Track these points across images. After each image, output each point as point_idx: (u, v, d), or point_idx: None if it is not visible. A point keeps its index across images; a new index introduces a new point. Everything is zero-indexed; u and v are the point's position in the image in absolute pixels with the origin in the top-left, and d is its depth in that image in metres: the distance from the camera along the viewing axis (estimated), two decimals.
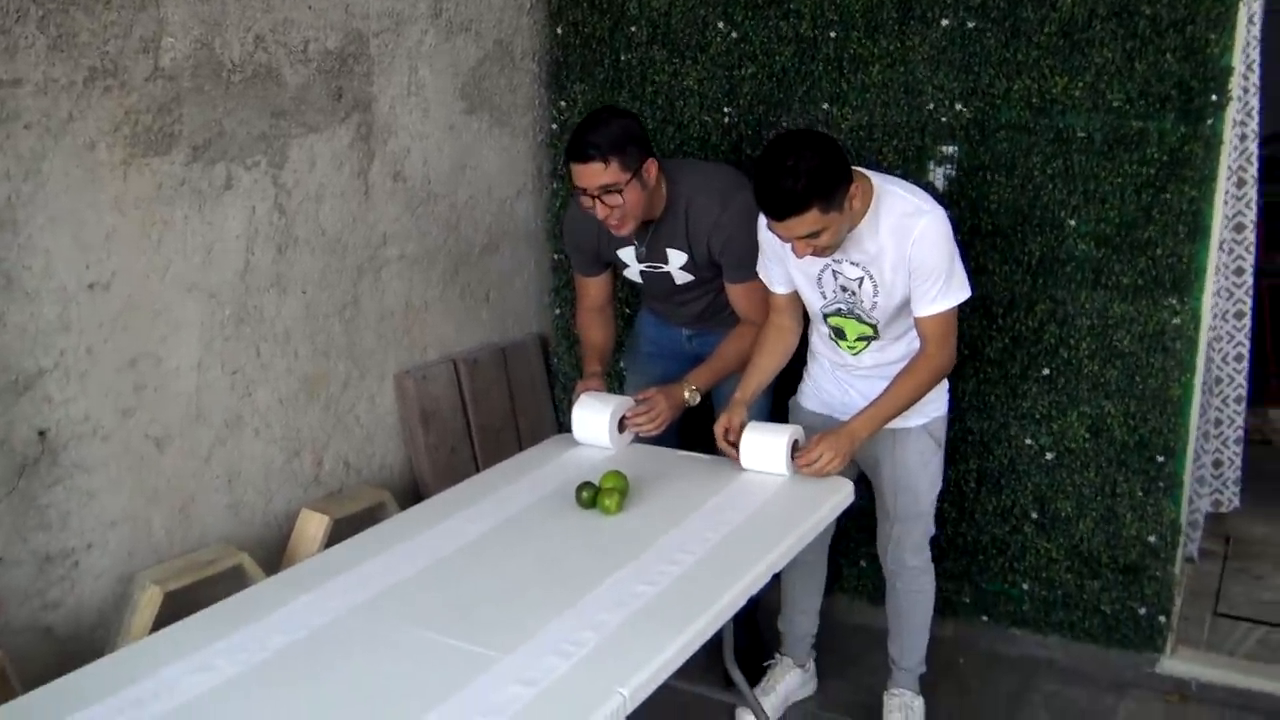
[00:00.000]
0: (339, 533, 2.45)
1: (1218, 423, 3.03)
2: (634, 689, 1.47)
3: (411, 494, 2.96)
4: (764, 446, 2.22)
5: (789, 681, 2.64)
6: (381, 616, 1.75)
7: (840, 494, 2.16)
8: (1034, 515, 2.75)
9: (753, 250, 2.37)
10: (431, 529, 2.07)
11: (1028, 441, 2.71)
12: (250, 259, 2.50)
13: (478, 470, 3.02)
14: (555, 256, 3.34)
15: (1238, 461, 3.10)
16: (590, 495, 2.08)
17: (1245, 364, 3.02)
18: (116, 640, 2.21)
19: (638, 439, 2.48)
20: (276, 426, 2.62)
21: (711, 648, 2.29)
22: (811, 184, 1.98)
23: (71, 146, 2.10)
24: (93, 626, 2.25)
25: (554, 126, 3.23)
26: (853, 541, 2.90)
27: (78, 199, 2.13)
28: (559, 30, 3.10)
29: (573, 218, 2.60)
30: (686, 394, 2.44)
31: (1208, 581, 3.14)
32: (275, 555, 2.59)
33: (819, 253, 2.13)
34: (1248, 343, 3.01)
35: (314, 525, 2.57)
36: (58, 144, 2.08)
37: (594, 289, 2.68)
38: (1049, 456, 2.70)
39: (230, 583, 2.34)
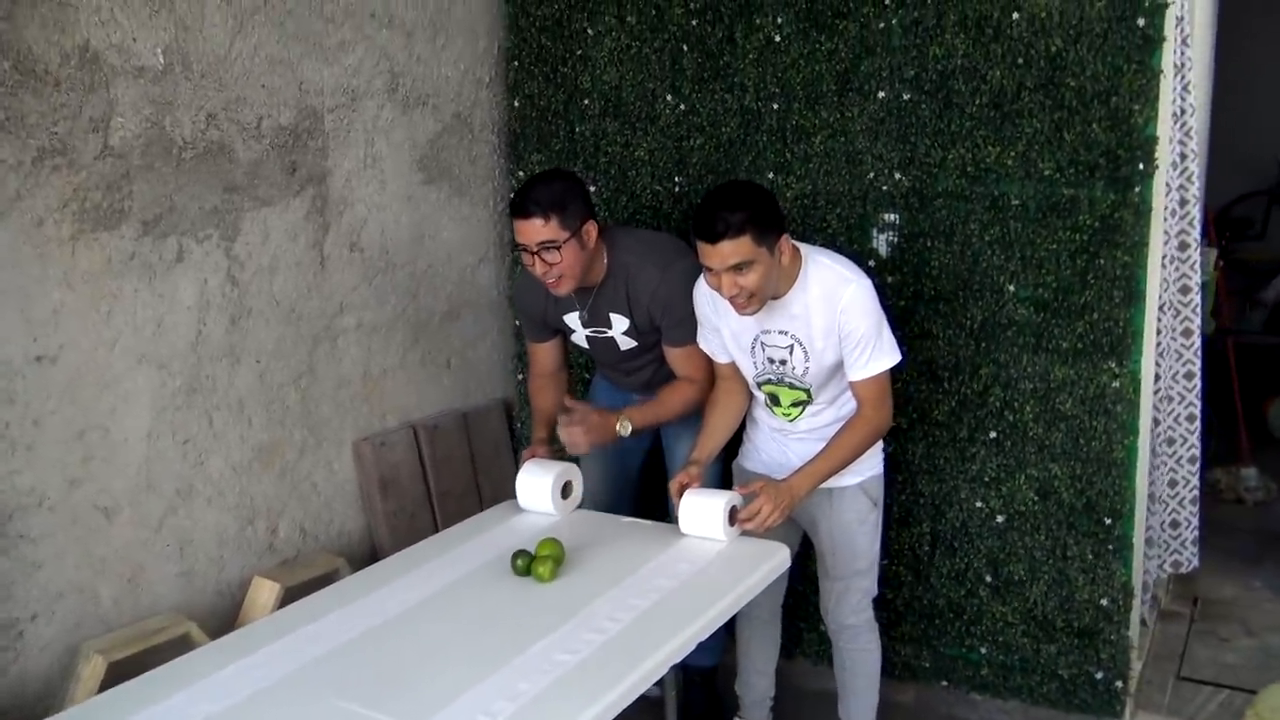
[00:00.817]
0: (291, 600, 2.46)
1: (1172, 483, 3.03)
2: None
3: (369, 560, 2.96)
4: (702, 511, 2.24)
5: None
6: (308, 686, 1.76)
7: (775, 559, 2.18)
8: (988, 578, 2.75)
9: (687, 316, 2.41)
10: (370, 595, 2.09)
11: (978, 504, 2.72)
12: (202, 329, 2.54)
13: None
14: (518, 323, 3.38)
15: (1195, 521, 3.10)
16: (525, 563, 2.10)
17: (1197, 424, 3.03)
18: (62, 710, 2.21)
19: (581, 505, 2.50)
20: (230, 495, 2.64)
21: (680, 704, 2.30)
22: (748, 215, 2.10)
23: (19, 224, 2.16)
24: (38, 696, 2.26)
25: (513, 195, 3.29)
26: (812, 605, 2.89)
27: (24, 274, 2.18)
28: (516, 103, 3.18)
29: (523, 285, 2.65)
30: (618, 425, 2.45)
31: (1173, 644, 3.12)
32: (227, 623, 2.59)
33: (745, 304, 2.18)
34: (1199, 402, 3.03)
35: (265, 593, 2.58)
36: (4, 221, 2.13)
37: (544, 355, 2.72)
38: (1000, 519, 2.71)
39: (176, 651, 2.34)
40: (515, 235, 2.39)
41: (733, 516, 2.25)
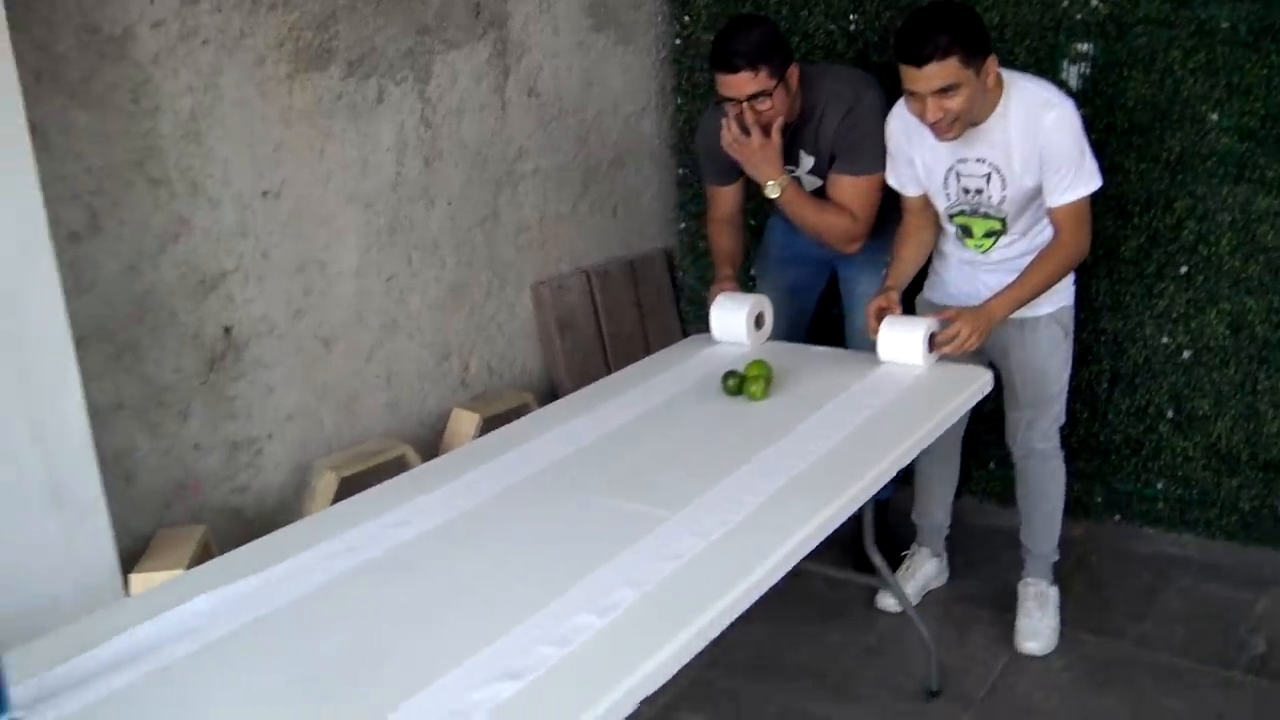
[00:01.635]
0: (489, 430, 2.60)
1: None
2: (788, 551, 1.57)
3: (550, 398, 3.09)
4: (901, 337, 2.28)
5: (926, 570, 2.72)
6: (550, 487, 1.86)
7: (979, 381, 2.21)
8: (1169, 414, 2.75)
9: (869, 147, 2.41)
10: (583, 416, 2.17)
11: (1164, 340, 2.70)
12: (400, 171, 2.63)
13: None
14: (680, 172, 3.41)
15: None
16: (736, 382, 2.17)
17: None
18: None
19: (770, 338, 2.56)
20: (428, 331, 2.77)
21: (848, 537, 2.39)
22: (956, 34, 2.06)
23: (244, 62, 2.25)
24: (274, 510, 2.45)
25: (677, 42, 3.27)
26: (981, 444, 2.93)
27: (250, 111, 2.28)
28: None
29: (708, 128, 2.65)
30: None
31: None
32: (430, 451, 2.75)
33: (948, 129, 2.16)
34: None
35: (466, 423, 2.73)
36: (232, 59, 2.23)
37: (725, 199, 2.74)
38: (1186, 355, 2.69)
39: (395, 471, 2.51)
40: (719, 89, 2.37)
41: (931, 343, 2.28)
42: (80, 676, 1.33)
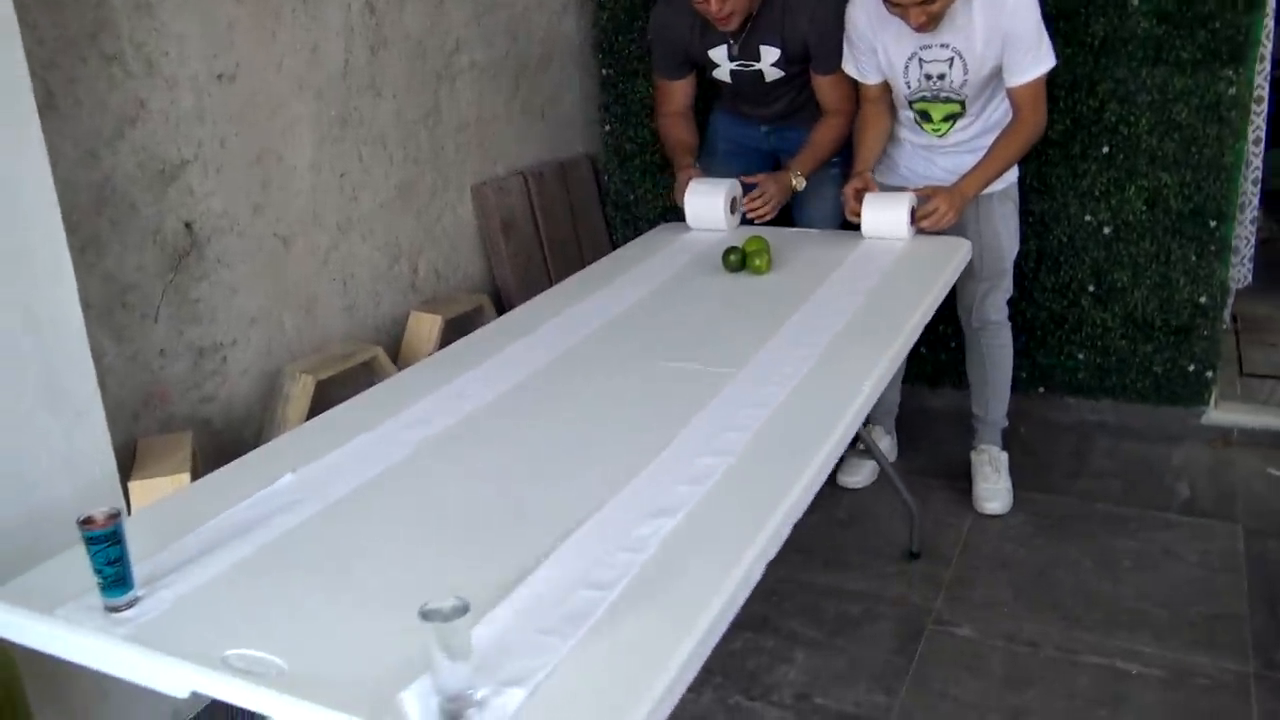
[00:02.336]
0: (448, 334, 2.52)
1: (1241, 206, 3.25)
2: (873, 382, 1.62)
3: (496, 301, 3.02)
4: (885, 212, 2.35)
5: (881, 446, 2.84)
6: (596, 357, 1.81)
7: (961, 251, 2.31)
8: (1091, 289, 2.95)
9: (842, 43, 2.45)
10: (588, 300, 2.12)
11: (1087, 218, 2.89)
12: (349, 59, 2.48)
13: (551, 282, 3.08)
14: (604, 73, 3.35)
15: (1253, 240, 3.34)
16: (738, 258, 2.18)
17: (1262, 147, 3.23)
18: (272, 431, 2.26)
19: (745, 221, 2.58)
20: (379, 232, 2.64)
21: None
22: None
23: None
24: (242, 421, 2.30)
25: None
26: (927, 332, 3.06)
27: None
28: None
29: (663, 20, 2.61)
30: (794, 179, 2.53)
31: (1228, 351, 3.41)
32: (392, 354, 2.64)
33: (926, 24, 2.22)
34: (1265, 126, 3.22)
35: (426, 325, 2.63)
36: None
37: (677, 92, 2.71)
38: (1106, 231, 2.89)
39: (367, 374, 2.40)
40: None
41: (911, 217, 2.36)
42: (190, 554, 1.22)
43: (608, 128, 3.40)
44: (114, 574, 1.13)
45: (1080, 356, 3.03)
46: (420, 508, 1.33)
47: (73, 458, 1.67)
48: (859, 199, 2.39)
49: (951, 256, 2.27)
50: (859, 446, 2.83)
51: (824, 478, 1.39)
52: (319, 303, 2.47)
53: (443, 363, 1.83)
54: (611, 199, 3.47)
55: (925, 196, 2.36)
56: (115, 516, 1.12)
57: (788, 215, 2.76)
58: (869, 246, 2.34)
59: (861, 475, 2.81)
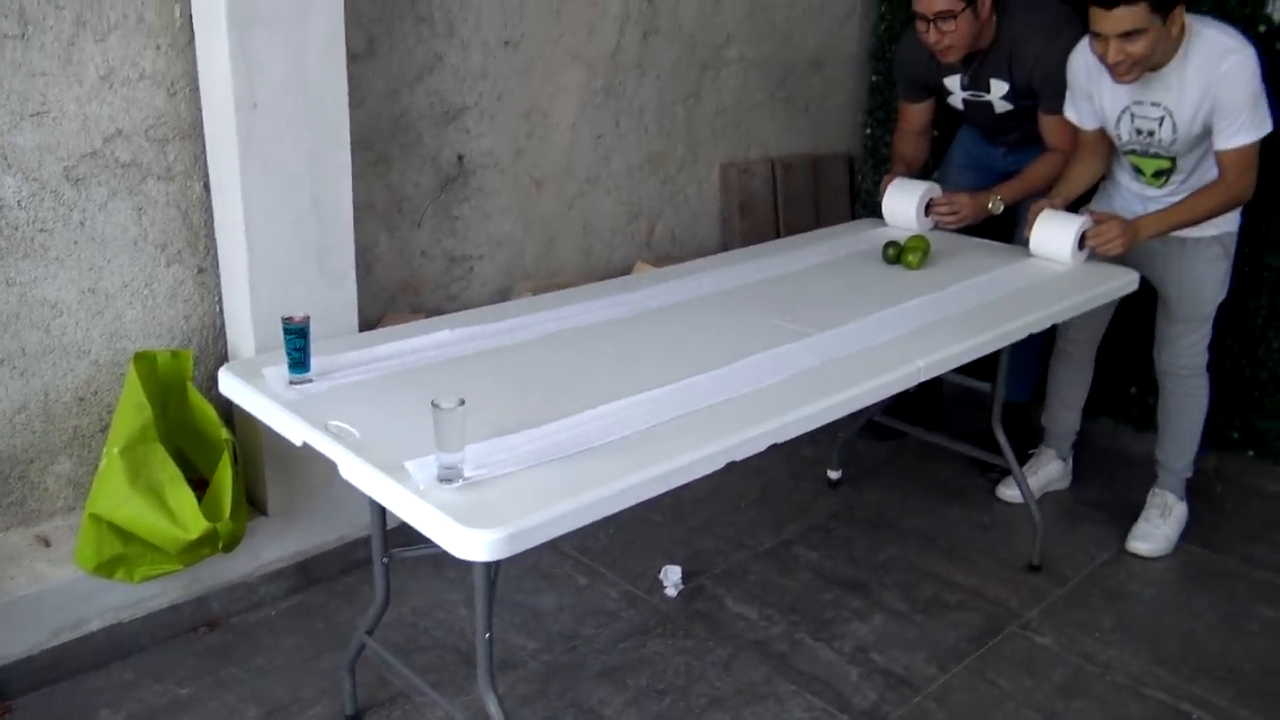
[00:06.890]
0: None
1: None
2: (930, 362, 1.84)
3: None
4: (1054, 230, 2.44)
5: (1050, 470, 2.90)
6: (723, 303, 2.20)
7: (1124, 279, 2.37)
8: None
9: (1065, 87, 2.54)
10: (752, 262, 2.47)
11: None
12: (621, 40, 2.95)
13: None
14: (874, 79, 3.60)
15: None
16: (895, 251, 2.41)
17: None
18: None
19: (937, 228, 2.76)
20: (624, 190, 3.11)
21: (979, 429, 2.61)
22: None
23: None
24: None
25: None
26: (1123, 367, 3.06)
27: None
28: None
29: (906, 47, 2.82)
30: (990, 203, 2.67)
31: None
32: None
33: (1126, 72, 2.25)
34: None
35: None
36: None
37: (915, 114, 2.91)
38: None
39: None
40: (914, 3, 2.54)
41: (1082, 241, 2.44)
42: (354, 364, 1.74)
43: (869, 131, 3.65)
44: (298, 357, 1.66)
45: None
46: (528, 364, 1.79)
47: (330, 308, 2.26)
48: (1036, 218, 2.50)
49: (1108, 281, 2.34)
50: (1028, 462, 2.92)
51: (828, 420, 1.66)
52: (559, 240, 2.98)
53: (608, 287, 2.27)
54: (861, 197, 3.71)
55: (1099, 220, 2.43)
56: (305, 319, 1.65)
57: (1006, 237, 2.89)
58: (1033, 261, 2.46)
59: (1020, 491, 2.89)
